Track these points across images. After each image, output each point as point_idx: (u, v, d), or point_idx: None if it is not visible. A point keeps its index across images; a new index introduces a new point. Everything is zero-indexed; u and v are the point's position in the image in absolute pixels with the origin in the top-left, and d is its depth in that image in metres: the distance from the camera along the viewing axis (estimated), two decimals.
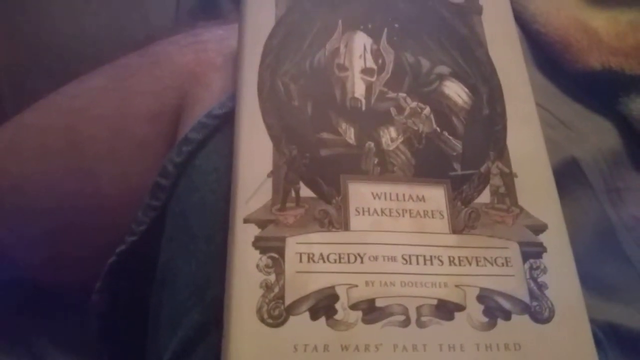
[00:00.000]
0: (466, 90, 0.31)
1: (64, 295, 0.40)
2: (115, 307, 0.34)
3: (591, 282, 0.38)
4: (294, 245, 0.25)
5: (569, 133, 0.42)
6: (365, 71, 0.30)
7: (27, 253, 0.38)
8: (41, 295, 0.40)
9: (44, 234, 0.36)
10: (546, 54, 0.42)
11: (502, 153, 0.29)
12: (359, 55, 0.31)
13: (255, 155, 0.27)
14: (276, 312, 0.24)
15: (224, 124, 0.31)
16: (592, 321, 0.35)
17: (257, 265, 0.25)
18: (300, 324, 0.24)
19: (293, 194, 0.26)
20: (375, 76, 0.30)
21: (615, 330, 0.37)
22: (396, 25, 0.32)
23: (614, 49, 0.42)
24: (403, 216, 0.27)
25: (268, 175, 0.26)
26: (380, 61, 0.31)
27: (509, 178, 0.29)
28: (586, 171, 0.40)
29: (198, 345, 0.28)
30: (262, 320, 0.24)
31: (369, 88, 0.30)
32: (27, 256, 0.38)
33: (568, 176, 0.40)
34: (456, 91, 0.31)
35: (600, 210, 0.40)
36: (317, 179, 0.27)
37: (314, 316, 0.24)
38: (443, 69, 0.31)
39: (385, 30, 0.31)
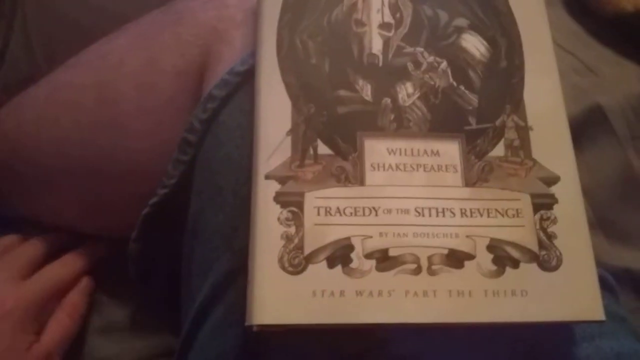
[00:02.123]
0: (484, 42, 0.31)
1: (107, 242, 0.43)
2: (150, 254, 0.37)
3: (611, 228, 0.39)
4: (312, 200, 0.27)
5: (595, 79, 0.42)
6: (383, 26, 0.30)
7: (65, 208, 0.40)
8: (86, 241, 0.43)
9: (80, 190, 0.39)
10: None
11: (518, 106, 0.30)
12: (376, 10, 0.31)
13: (274, 114, 0.28)
14: (296, 261, 0.26)
15: (246, 80, 0.32)
16: (609, 267, 0.36)
17: (278, 219, 0.26)
18: (318, 272, 0.26)
19: (311, 151, 0.28)
20: (393, 31, 0.30)
21: (632, 275, 0.38)
22: None
23: None
24: (417, 171, 0.28)
25: (287, 134, 0.28)
26: (398, 15, 0.31)
27: (524, 131, 0.29)
28: (611, 118, 0.40)
29: (227, 290, 0.30)
30: (283, 268, 0.26)
31: (386, 43, 0.30)
32: (66, 211, 0.40)
33: (592, 124, 0.40)
34: (474, 44, 0.31)
35: (624, 157, 0.40)
36: (335, 136, 0.28)
37: (331, 264, 0.26)
38: (461, 22, 0.31)
39: None
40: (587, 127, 0.40)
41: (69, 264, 0.41)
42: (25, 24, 0.47)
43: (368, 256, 0.26)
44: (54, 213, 0.41)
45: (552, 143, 0.29)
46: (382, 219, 0.27)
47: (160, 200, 0.35)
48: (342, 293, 0.25)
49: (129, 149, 0.36)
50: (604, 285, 0.30)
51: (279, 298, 0.25)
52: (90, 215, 0.40)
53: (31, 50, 0.47)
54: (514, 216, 0.27)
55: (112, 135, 0.37)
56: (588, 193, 0.32)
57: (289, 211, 0.26)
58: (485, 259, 0.26)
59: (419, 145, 0.28)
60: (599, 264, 0.28)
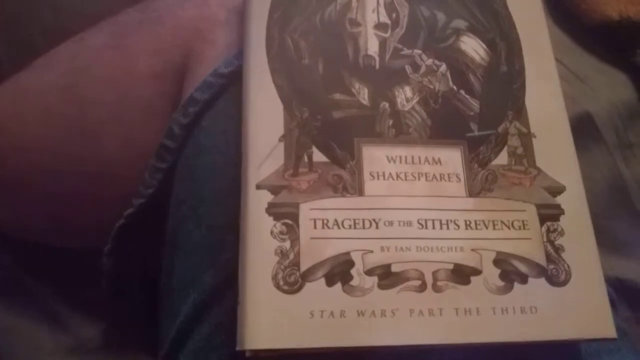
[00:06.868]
0: (484, 45, 0.30)
1: (77, 256, 0.40)
2: (124, 268, 0.34)
3: (601, 237, 0.38)
4: (307, 211, 0.25)
5: (583, 87, 0.41)
6: (379, 26, 0.29)
7: (32, 216, 0.37)
8: (54, 255, 0.40)
9: (48, 197, 0.36)
10: (561, 4, 0.40)
11: (520, 112, 0.28)
12: (371, 9, 0.29)
13: (265, 118, 0.26)
14: (292, 279, 0.24)
15: (230, 83, 0.30)
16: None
17: (272, 232, 0.24)
18: (316, 290, 0.24)
19: (306, 158, 0.26)
20: (389, 32, 0.29)
21: (623, 285, 0.37)
22: None
23: None
24: (419, 180, 0.26)
25: (279, 140, 0.26)
26: (394, 15, 0.29)
27: (527, 138, 0.28)
28: (600, 126, 0.40)
29: (212, 308, 0.28)
30: (278, 286, 0.24)
31: (382, 44, 0.29)
32: (32, 219, 0.37)
33: (582, 132, 0.39)
34: (473, 47, 0.29)
35: (613, 166, 0.39)
36: (330, 142, 0.26)
37: (330, 282, 0.24)
38: (460, 23, 0.30)
39: None
40: (576, 135, 0.40)
41: None
42: None
43: (369, 272, 0.24)
44: (20, 220, 0.38)
45: (556, 151, 0.28)
46: (383, 231, 0.25)
47: (136, 211, 0.32)
48: (342, 313, 0.23)
49: (101, 153, 0.34)
50: None
51: (273, 320, 0.23)
52: (59, 222, 0.37)
53: None
54: (520, 228, 0.26)
55: (84, 143, 0.35)
56: None
57: (283, 224, 0.24)
58: (492, 274, 0.25)
59: (419, 152, 0.27)
60: None
